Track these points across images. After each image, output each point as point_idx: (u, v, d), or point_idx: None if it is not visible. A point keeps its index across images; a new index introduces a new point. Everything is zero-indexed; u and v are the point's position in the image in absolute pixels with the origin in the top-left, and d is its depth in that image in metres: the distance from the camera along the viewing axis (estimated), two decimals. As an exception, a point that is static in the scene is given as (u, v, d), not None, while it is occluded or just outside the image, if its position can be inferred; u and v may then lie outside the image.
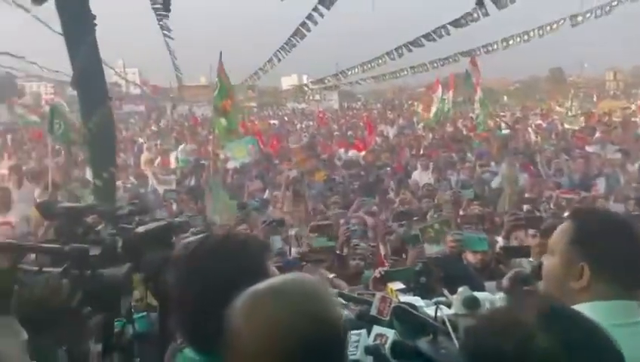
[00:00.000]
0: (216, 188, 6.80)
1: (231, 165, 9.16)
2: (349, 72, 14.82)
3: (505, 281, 2.27)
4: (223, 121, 8.32)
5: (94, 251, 1.63)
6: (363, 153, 11.98)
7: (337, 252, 4.55)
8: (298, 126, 23.11)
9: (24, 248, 1.65)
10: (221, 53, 8.31)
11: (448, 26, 10.28)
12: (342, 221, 5.66)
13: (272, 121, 24.86)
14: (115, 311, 1.65)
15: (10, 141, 20.47)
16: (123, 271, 1.61)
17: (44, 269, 1.61)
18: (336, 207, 6.71)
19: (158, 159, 11.27)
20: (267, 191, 8.35)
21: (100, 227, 1.78)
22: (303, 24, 10.14)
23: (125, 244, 1.77)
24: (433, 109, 15.11)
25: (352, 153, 12.36)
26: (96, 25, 2.63)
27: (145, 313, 2.39)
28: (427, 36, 10.89)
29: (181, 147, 12.06)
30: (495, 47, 12.25)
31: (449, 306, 2.20)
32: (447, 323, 1.89)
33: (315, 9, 9.39)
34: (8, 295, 1.50)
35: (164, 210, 6.64)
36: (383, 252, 5.05)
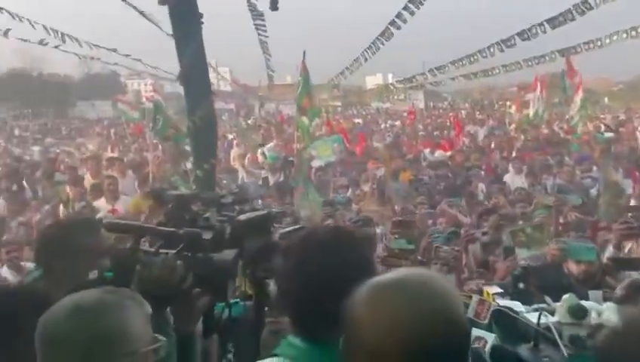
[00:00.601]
0: (305, 184, 6.94)
1: (316, 164, 9.26)
2: (438, 71, 14.46)
3: (619, 290, 2.13)
4: (304, 119, 8.50)
5: (206, 236, 1.72)
6: (449, 153, 11.67)
7: (419, 258, 4.43)
8: (382, 125, 22.96)
9: (144, 230, 1.77)
10: (305, 52, 8.49)
11: (545, 24, 9.74)
12: (429, 221, 5.55)
13: (356, 120, 24.89)
14: (222, 294, 1.72)
15: (114, 135, 22.12)
16: (231, 256, 1.68)
17: (161, 251, 1.73)
18: (422, 208, 6.60)
19: (248, 155, 11.66)
20: (350, 190, 8.37)
21: (207, 214, 1.87)
22: (392, 23, 10.03)
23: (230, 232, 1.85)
24: (531, 110, 14.39)
25: (438, 153, 12.08)
26: (202, 23, 2.80)
27: (238, 299, 2.49)
28: (521, 34, 10.38)
29: (270, 144, 12.40)
30: (599, 43, 11.38)
31: (551, 313, 2.10)
32: (554, 331, 1.81)
33: (405, 7, 9.26)
34: (131, 272, 1.63)
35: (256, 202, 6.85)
36: (464, 260, 4.88)
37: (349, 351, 1.15)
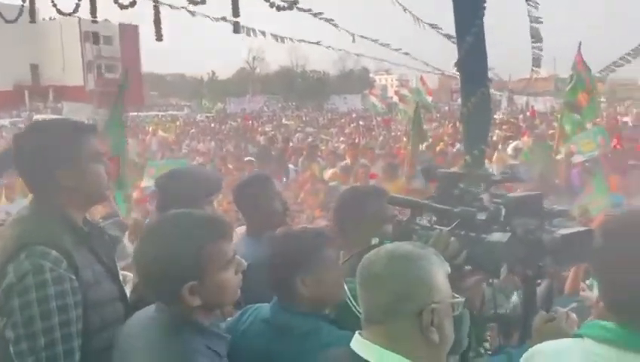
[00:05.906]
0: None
1: (577, 159, 8.34)
2: None
3: None
4: (574, 116, 7.77)
5: (480, 216, 1.74)
6: None
7: None
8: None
9: (419, 205, 1.88)
10: (580, 43, 7.84)
11: None
12: None
13: (624, 119, 21.58)
14: (494, 276, 1.71)
15: (361, 127, 23.69)
16: (505, 238, 1.65)
17: (435, 226, 1.81)
18: None
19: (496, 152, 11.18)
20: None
21: (481, 195, 1.85)
22: None
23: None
24: None
25: None
26: (485, 8, 2.78)
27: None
28: None
29: (519, 141, 11.68)
30: None
31: None
32: None
33: None
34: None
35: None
36: None
37: None
